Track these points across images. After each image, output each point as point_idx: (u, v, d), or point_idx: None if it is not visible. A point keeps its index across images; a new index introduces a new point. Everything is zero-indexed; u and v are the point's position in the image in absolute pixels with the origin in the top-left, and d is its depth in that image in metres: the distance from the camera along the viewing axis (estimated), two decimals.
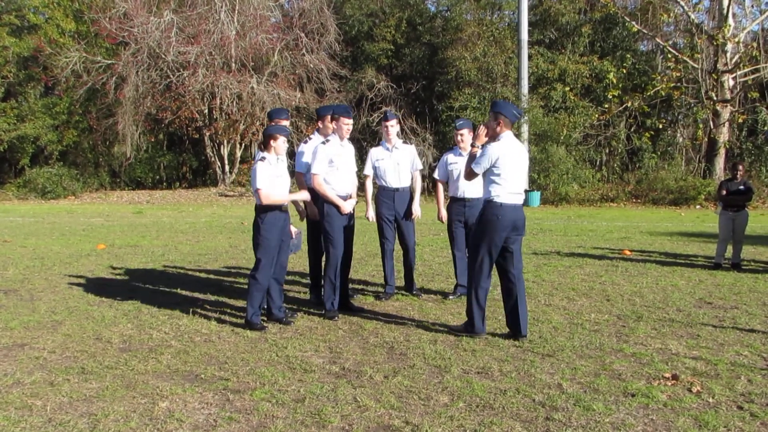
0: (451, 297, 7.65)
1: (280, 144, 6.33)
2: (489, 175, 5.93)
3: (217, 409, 4.34)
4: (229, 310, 7.07)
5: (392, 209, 7.53)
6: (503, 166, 5.83)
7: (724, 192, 10.06)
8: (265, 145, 6.36)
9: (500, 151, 5.84)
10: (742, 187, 9.97)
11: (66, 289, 8.33)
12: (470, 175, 6.09)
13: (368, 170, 7.69)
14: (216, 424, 4.10)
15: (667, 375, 4.90)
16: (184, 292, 8.11)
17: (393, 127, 7.59)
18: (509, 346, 5.71)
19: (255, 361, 5.31)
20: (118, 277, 9.25)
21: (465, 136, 7.53)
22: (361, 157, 11.34)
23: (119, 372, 5.06)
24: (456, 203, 7.64)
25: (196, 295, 7.98)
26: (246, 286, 8.39)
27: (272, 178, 6.27)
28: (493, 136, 5.98)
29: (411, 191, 7.68)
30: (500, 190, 5.86)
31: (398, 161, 7.56)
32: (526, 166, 6.17)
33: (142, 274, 9.43)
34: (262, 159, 6.30)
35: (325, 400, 4.48)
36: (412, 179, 7.69)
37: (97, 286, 8.49)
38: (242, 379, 4.90)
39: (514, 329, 5.95)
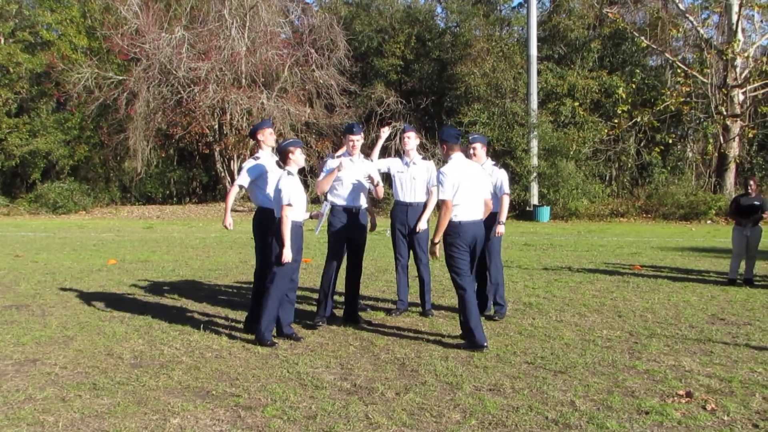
0: (496, 318, 7.45)
1: (299, 156, 6.39)
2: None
3: (229, 425, 4.33)
4: (240, 326, 7.06)
5: (405, 224, 7.51)
6: (457, 186, 6.16)
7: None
8: (284, 161, 6.38)
9: (452, 172, 6.18)
10: (756, 202, 9.92)
11: (77, 304, 8.36)
12: (444, 203, 6.18)
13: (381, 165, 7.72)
14: None
15: (680, 392, 4.85)
16: (194, 308, 8.12)
17: (409, 139, 7.58)
18: (521, 363, 5.69)
19: (266, 378, 5.30)
20: (129, 292, 9.27)
21: (478, 149, 7.49)
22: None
23: (131, 388, 5.07)
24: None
25: (207, 310, 7.99)
26: None
27: (299, 195, 6.29)
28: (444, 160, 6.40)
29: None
30: (457, 210, 6.17)
31: (414, 176, 7.53)
32: (480, 180, 6.43)
33: (153, 290, 9.45)
34: (289, 173, 6.29)
35: (337, 417, 4.46)
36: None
37: (108, 302, 8.51)
38: (253, 395, 4.89)
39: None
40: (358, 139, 7.28)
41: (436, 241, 6.21)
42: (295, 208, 6.21)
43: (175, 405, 4.68)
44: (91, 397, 4.88)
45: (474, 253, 6.32)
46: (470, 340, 6.13)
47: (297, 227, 6.34)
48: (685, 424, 4.30)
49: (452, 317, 7.49)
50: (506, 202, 7.50)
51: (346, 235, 7.12)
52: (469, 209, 6.24)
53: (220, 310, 8.02)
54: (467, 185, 6.22)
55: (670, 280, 10.09)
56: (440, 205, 6.23)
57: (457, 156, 6.31)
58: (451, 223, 6.18)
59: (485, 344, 6.08)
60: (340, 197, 7.15)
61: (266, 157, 6.93)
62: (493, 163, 7.64)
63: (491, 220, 7.39)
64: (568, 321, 7.32)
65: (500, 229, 7.39)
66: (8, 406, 4.68)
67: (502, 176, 7.51)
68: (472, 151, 7.57)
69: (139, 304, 8.32)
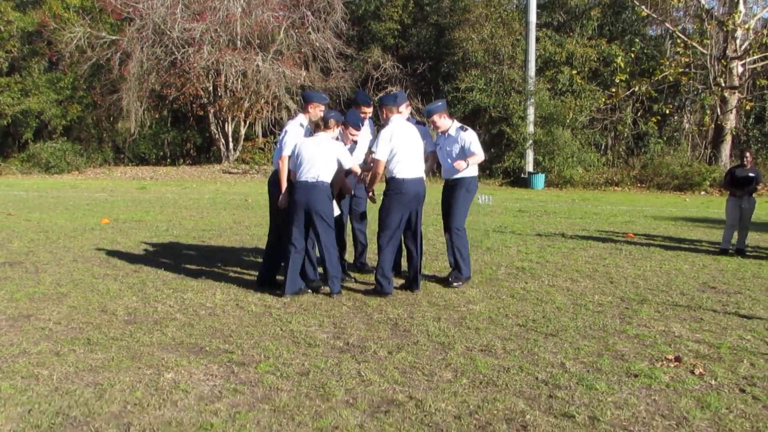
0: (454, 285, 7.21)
1: (338, 130, 6.87)
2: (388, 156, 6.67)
3: (222, 380, 4.37)
4: (233, 285, 7.09)
5: None
6: (397, 145, 6.60)
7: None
8: (326, 127, 6.67)
9: (391, 133, 6.62)
10: (751, 174, 9.93)
11: (71, 262, 8.36)
12: (376, 163, 6.71)
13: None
14: (221, 395, 4.13)
15: (669, 357, 4.91)
16: (188, 267, 8.13)
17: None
18: (513, 325, 5.73)
19: (259, 335, 5.34)
20: (123, 251, 9.26)
21: (436, 122, 7.24)
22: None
23: (124, 343, 5.09)
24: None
25: (201, 269, 7.99)
26: (249, 259, 8.45)
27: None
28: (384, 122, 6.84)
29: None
30: (400, 167, 6.62)
31: None
32: (419, 141, 6.83)
33: (147, 249, 9.46)
34: (337, 138, 6.81)
35: (330, 374, 4.50)
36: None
37: (101, 260, 8.51)
38: (247, 352, 4.93)
39: (412, 283, 6.90)
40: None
41: (369, 194, 7.20)
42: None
43: (168, 360, 4.71)
44: (85, 351, 4.90)
45: (415, 211, 6.76)
46: (378, 287, 6.69)
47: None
48: (673, 387, 4.35)
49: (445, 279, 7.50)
50: (476, 160, 7.13)
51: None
52: (410, 167, 6.66)
53: (213, 269, 8.03)
54: (407, 145, 6.65)
55: (663, 249, 10.14)
56: (374, 162, 6.75)
57: (395, 118, 6.77)
58: (394, 180, 6.64)
59: (390, 292, 6.67)
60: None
61: (306, 126, 6.97)
62: (459, 126, 7.29)
63: (452, 184, 7.27)
64: (560, 286, 7.37)
65: (461, 164, 7.05)
66: (2, 360, 4.70)
67: (468, 138, 7.15)
68: (432, 126, 7.38)
69: (133, 263, 8.32)
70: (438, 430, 3.69)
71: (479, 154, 7.18)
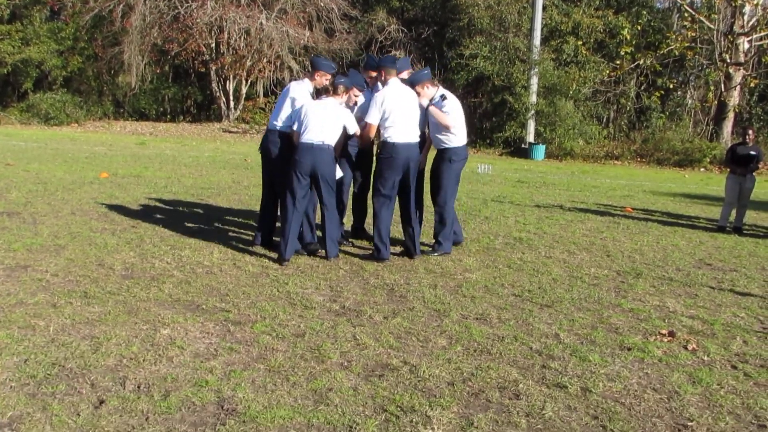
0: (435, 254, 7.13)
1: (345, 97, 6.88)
2: (380, 119, 6.68)
3: (218, 339, 4.39)
4: (231, 244, 7.09)
5: None
6: (390, 109, 6.59)
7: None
8: (335, 93, 6.64)
9: (384, 96, 6.61)
10: (752, 152, 9.89)
11: (69, 215, 8.34)
12: (367, 127, 6.72)
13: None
14: (216, 353, 4.16)
15: (663, 331, 4.94)
16: (186, 224, 8.13)
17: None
18: (509, 295, 5.76)
19: (256, 295, 5.36)
20: (121, 205, 9.24)
21: (420, 92, 6.96)
22: None
23: (121, 298, 5.11)
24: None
25: (199, 227, 7.99)
26: (247, 219, 8.46)
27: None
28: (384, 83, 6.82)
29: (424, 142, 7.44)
30: (391, 132, 6.61)
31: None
32: (415, 106, 6.79)
33: (145, 205, 9.44)
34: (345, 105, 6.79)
35: (325, 336, 4.53)
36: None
37: (99, 214, 8.50)
38: (243, 311, 4.95)
39: (408, 250, 6.91)
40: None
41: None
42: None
43: (165, 316, 4.74)
44: (82, 304, 4.92)
45: (407, 175, 6.72)
46: (375, 252, 6.72)
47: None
48: (666, 362, 4.39)
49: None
50: (441, 116, 6.88)
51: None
52: (402, 131, 6.63)
53: (212, 227, 8.03)
54: (401, 110, 6.62)
55: (660, 224, 10.15)
56: (364, 126, 6.74)
57: (393, 81, 6.75)
58: (386, 144, 6.65)
59: (388, 258, 6.70)
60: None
61: (311, 91, 6.89)
62: (441, 94, 7.05)
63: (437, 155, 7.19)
64: (557, 257, 7.38)
65: (423, 99, 6.87)
66: None
67: (446, 104, 6.93)
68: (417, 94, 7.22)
69: (131, 218, 8.31)
70: (431, 395, 3.72)
71: (448, 120, 6.90)
